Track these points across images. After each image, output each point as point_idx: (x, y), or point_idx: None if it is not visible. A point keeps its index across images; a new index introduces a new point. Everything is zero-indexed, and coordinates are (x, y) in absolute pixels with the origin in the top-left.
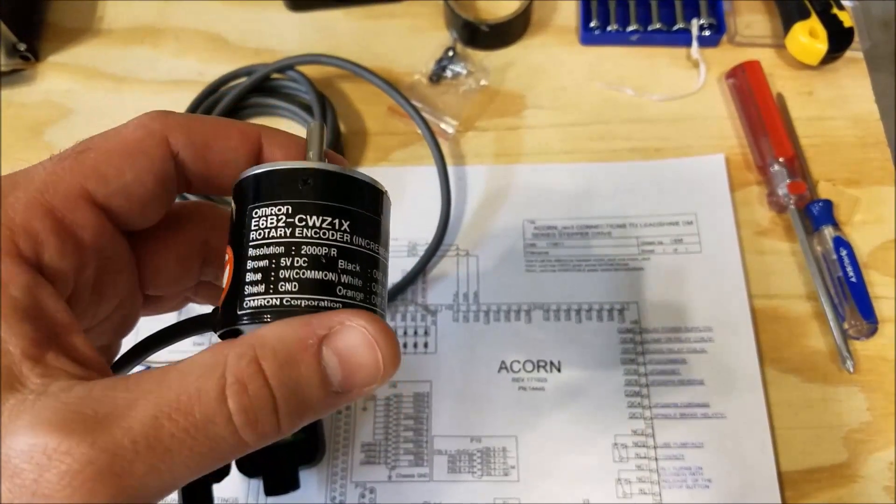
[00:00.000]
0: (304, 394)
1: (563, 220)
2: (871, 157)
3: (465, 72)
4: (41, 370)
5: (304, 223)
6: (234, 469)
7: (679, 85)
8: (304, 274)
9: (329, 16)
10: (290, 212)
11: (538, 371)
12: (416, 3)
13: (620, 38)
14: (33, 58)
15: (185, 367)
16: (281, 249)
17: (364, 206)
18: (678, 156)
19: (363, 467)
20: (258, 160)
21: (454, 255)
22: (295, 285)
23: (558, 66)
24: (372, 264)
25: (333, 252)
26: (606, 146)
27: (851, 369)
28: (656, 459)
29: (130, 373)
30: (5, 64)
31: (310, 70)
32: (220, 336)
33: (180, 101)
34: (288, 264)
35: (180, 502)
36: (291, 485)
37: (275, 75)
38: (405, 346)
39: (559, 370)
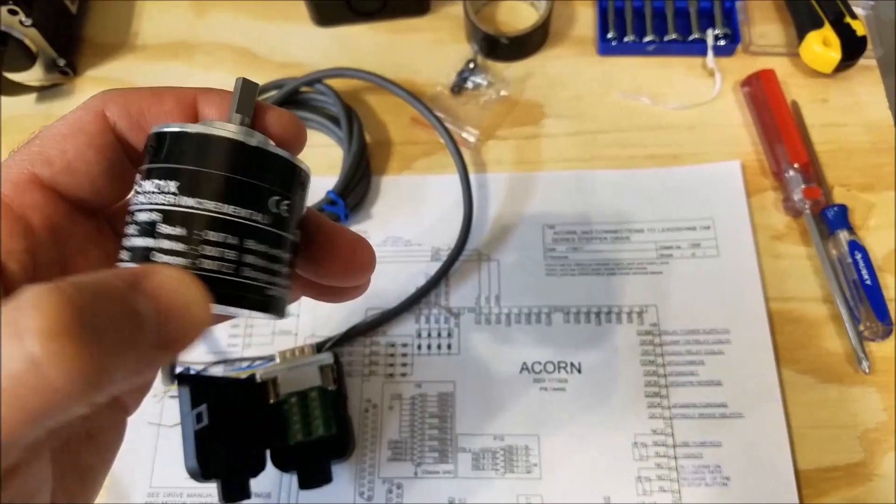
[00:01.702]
0: (115, 331)
1: (582, 225)
2: (885, 162)
3: (485, 83)
4: None
5: (140, 188)
6: (269, 464)
7: (695, 93)
8: (132, 242)
9: (354, 30)
10: (137, 179)
11: (559, 372)
12: (437, 17)
13: (637, 49)
14: (72, 72)
15: None
16: (128, 218)
17: (204, 164)
18: (695, 163)
19: (390, 464)
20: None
21: (476, 260)
22: (127, 254)
23: (576, 77)
24: (214, 226)
25: (155, 216)
26: (624, 153)
27: (867, 370)
28: (675, 458)
29: None
30: (45, 79)
31: (336, 83)
32: None
33: None
34: (127, 232)
35: (219, 495)
36: (324, 478)
37: (304, 88)
38: (429, 347)
39: (580, 371)
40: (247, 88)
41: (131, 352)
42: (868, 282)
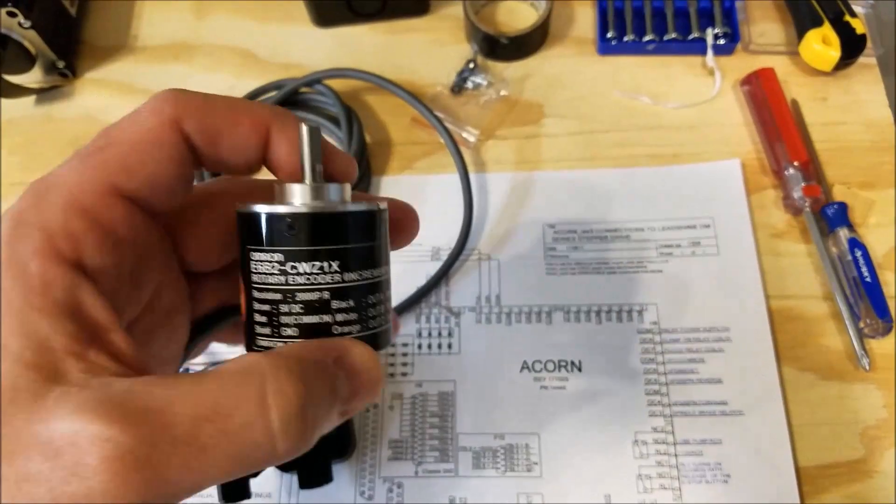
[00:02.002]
0: (323, 407)
1: (582, 224)
2: (885, 160)
3: (485, 83)
4: (83, 366)
5: (295, 270)
6: None
7: (695, 92)
8: (301, 319)
9: (354, 31)
10: (282, 260)
11: (559, 371)
12: (437, 17)
13: (637, 48)
14: (71, 74)
15: (223, 372)
16: (279, 296)
17: (355, 239)
18: (695, 161)
19: (391, 463)
20: (267, 149)
21: (476, 259)
22: (295, 330)
23: (576, 76)
24: (367, 291)
25: (326, 295)
26: (624, 153)
27: (867, 367)
28: (676, 455)
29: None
30: (45, 81)
31: (336, 84)
32: None
33: None
34: (286, 311)
35: (219, 497)
36: (325, 478)
37: (303, 89)
38: (430, 346)
39: (580, 370)
40: (313, 135)
41: (327, 423)
42: (868, 279)
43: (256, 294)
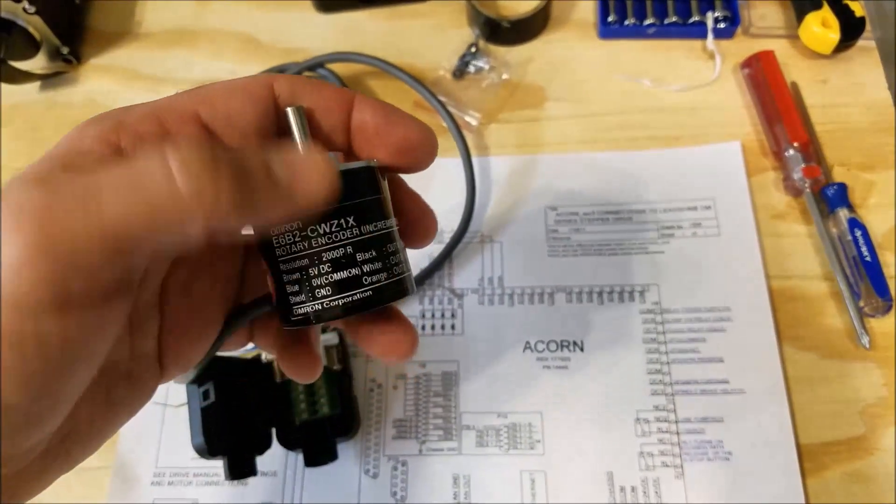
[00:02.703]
0: (248, 170)
1: (584, 206)
2: (885, 142)
3: (487, 67)
4: None
5: (315, 233)
6: (275, 443)
7: (695, 76)
8: (332, 277)
9: (355, 16)
10: (301, 226)
11: (561, 350)
12: (438, 2)
13: (638, 32)
14: (75, 60)
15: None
16: (305, 262)
17: (364, 193)
18: (695, 144)
19: (395, 441)
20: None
21: (479, 242)
22: (328, 289)
23: (577, 60)
24: (385, 241)
25: (349, 249)
26: (625, 135)
27: (868, 346)
28: (678, 433)
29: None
30: (49, 67)
31: (339, 68)
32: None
33: None
34: (315, 273)
35: (226, 474)
36: (330, 456)
37: (306, 73)
38: (433, 327)
39: (582, 349)
40: (300, 113)
41: (262, 192)
42: (868, 258)
43: (284, 267)
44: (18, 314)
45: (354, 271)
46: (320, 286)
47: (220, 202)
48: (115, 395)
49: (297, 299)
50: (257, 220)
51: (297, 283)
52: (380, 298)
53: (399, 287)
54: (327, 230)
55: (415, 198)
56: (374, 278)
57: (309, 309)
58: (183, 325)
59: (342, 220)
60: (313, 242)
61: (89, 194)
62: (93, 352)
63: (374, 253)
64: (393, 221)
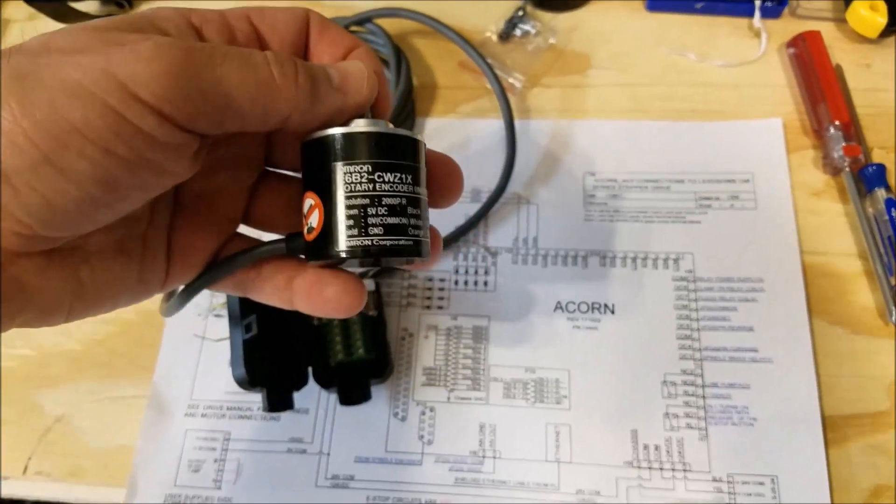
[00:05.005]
0: (315, 72)
1: (623, 173)
2: None
3: (533, 31)
4: None
5: (381, 179)
6: (310, 381)
7: (740, 53)
8: (386, 220)
9: None
10: (370, 170)
11: (592, 312)
12: None
13: (685, 7)
14: (127, 5)
15: None
16: (367, 201)
17: (416, 160)
18: (736, 119)
19: (424, 388)
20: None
21: (515, 203)
22: (380, 229)
23: (623, 30)
24: (425, 205)
25: (404, 201)
26: (668, 107)
27: None
28: (704, 397)
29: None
30: (102, 9)
31: (386, 24)
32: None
33: None
34: (374, 213)
35: (264, 404)
36: (363, 397)
37: (354, 27)
38: (466, 283)
39: (613, 312)
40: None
41: (325, 87)
42: None
43: (346, 201)
44: (150, 113)
45: (404, 220)
46: (375, 224)
47: (301, 91)
48: (125, 257)
49: (351, 232)
50: (320, 110)
51: (353, 219)
52: (414, 250)
53: (426, 247)
54: (391, 179)
55: (443, 157)
56: (415, 232)
57: (358, 242)
58: (190, 227)
59: (403, 176)
60: (377, 186)
61: (218, 54)
62: (164, 170)
63: (418, 211)
64: (426, 192)
